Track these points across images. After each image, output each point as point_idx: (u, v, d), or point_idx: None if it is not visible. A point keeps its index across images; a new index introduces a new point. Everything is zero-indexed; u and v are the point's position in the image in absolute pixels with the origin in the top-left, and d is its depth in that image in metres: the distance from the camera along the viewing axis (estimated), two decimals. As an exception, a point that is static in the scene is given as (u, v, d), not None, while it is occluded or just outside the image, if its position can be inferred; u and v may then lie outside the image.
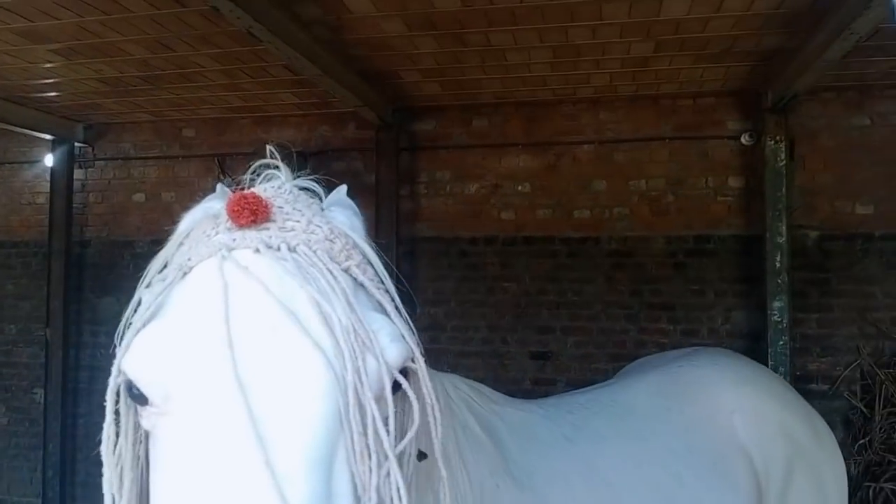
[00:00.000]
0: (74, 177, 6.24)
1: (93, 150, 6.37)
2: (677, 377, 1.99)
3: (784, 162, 4.82)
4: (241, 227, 0.84)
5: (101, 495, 0.73)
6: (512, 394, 5.57)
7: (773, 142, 4.84)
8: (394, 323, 0.83)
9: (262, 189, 0.93)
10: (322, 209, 0.94)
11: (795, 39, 4.02)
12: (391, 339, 0.80)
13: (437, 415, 0.85)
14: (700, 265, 5.23)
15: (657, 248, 5.29)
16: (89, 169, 6.38)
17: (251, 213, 0.83)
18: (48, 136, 6.04)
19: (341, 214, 0.96)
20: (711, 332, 5.20)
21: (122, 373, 0.78)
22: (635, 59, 4.44)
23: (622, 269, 5.36)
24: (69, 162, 6.18)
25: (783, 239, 4.80)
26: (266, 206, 0.85)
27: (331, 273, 0.80)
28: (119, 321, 0.89)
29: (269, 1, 3.43)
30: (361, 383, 0.72)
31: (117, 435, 0.80)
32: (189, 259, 0.83)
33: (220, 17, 3.40)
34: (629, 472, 1.68)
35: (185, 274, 0.83)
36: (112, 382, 0.78)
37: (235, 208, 0.83)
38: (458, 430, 1.45)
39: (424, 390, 0.84)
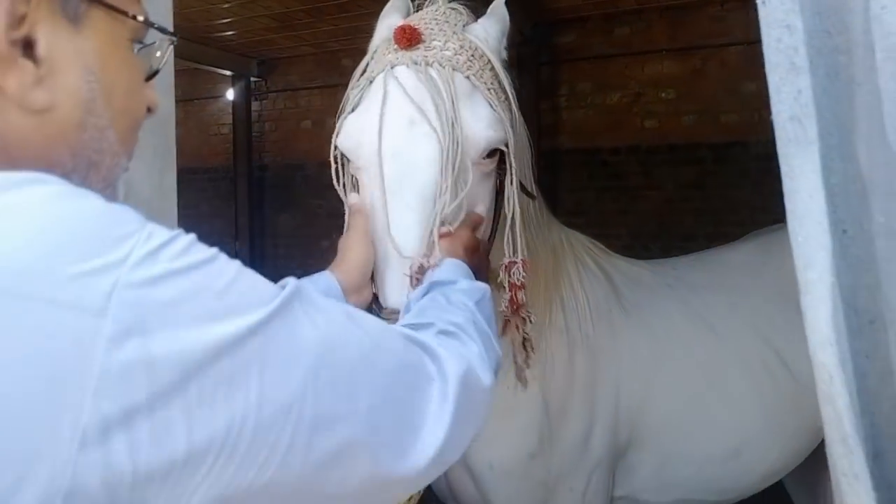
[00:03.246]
0: (252, 108, 7.07)
1: (266, 83, 7.14)
2: (781, 237, 2.14)
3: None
4: (400, 49, 1.22)
5: None
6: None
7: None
8: (495, 113, 1.19)
9: (419, 16, 1.29)
10: (465, 26, 1.29)
11: None
12: (485, 125, 1.17)
13: (514, 178, 1.24)
14: (859, 167, 5.00)
15: (811, 150, 5.11)
16: (264, 101, 7.18)
17: (406, 40, 1.20)
18: (228, 73, 6.85)
19: (481, 28, 1.31)
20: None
21: (336, 145, 1.25)
22: (785, -52, 4.26)
23: (772, 175, 5.23)
24: (247, 95, 7.00)
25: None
26: (417, 34, 1.21)
27: (450, 80, 1.17)
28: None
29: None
30: (455, 149, 1.13)
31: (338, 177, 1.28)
32: (372, 72, 1.24)
33: (369, -56, 3.77)
34: (724, 314, 1.90)
35: (370, 82, 1.24)
36: (332, 150, 1.26)
37: (397, 36, 1.22)
38: (578, 264, 1.78)
39: (509, 163, 1.23)
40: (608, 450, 1.75)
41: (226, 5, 5.32)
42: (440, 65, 1.18)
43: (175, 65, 1.28)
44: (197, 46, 6.27)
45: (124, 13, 0.61)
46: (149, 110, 0.69)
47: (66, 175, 0.55)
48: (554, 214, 1.83)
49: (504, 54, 1.34)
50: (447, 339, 0.76)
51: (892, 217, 0.58)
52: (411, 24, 1.23)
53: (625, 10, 5.50)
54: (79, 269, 0.43)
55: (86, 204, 0.47)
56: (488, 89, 1.21)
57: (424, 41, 1.22)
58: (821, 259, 0.60)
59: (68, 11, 0.56)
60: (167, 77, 1.27)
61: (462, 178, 1.15)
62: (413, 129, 1.14)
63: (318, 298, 0.59)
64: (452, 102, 1.14)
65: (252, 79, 7.06)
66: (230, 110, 7.12)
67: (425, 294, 0.94)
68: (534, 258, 1.62)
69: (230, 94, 7.06)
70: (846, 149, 0.64)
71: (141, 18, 0.63)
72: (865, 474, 0.60)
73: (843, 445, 0.60)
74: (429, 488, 1.95)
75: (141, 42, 0.66)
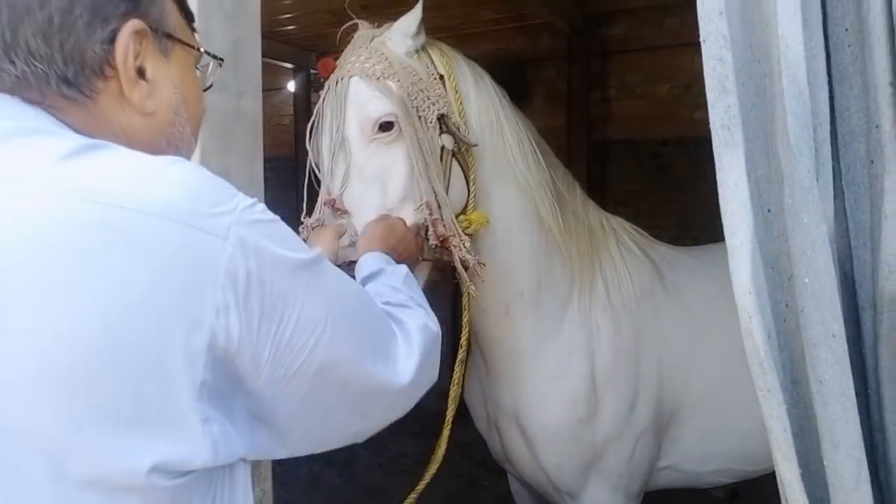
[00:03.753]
0: (312, 100, 7.42)
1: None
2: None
3: None
4: (325, 78, 1.63)
5: None
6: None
7: None
8: (378, 93, 1.56)
9: (348, 46, 1.71)
10: (374, 37, 1.68)
11: None
12: (367, 106, 1.56)
13: (410, 140, 1.57)
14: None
15: (863, 141, 5.13)
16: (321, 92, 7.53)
17: (324, 70, 1.65)
18: (289, 65, 7.22)
19: (391, 30, 1.70)
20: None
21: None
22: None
23: (823, 165, 5.28)
24: (307, 87, 7.36)
25: None
26: (329, 64, 1.66)
27: (346, 86, 1.59)
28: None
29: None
30: (339, 140, 1.56)
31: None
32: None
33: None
34: None
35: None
36: (308, 165, 1.67)
37: (319, 70, 1.66)
38: (621, 247, 1.99)
39: (407, 131, 1.56)
40: (653, 420, 1.93)
41: (287, 1, 5.65)
42: (343, 77, 1.59)
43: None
44: (261, 40, 6.64)
45: (192, 46, 0.90)
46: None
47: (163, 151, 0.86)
48: (603, 205, 2.04)
49: (409, 43, 1.69)
50: (400, 309, 1.08)
51: (795, 200, 0.80)
52: (325, 58, 1.70)
53: (675, 1, 5.60)
54: (211, 211, 0.70)
55: (206, 173, 0.75)
56: (377, 77, 1.56)
57: (339, 64, 1.62)
58: (742, 230, 0.82)
59: (162, 48, 0.83)
60: (255, 83, 1.55)
61: (354, 159, 1.55)
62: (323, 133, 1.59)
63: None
64: (342, 105, 1.54)
65: (312, 71, 7.41)
66: (291, 102, 7.49)
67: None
68: (567, 234, 1.85)
69: (291, 86, 7.44)
70: (770, 148, 0.86)
71: (203, 50, 0.93)
72: (777, 390, 0.83)
73: (760, 368, 0.82)
74: (487, 453, 2.19)
75: (197, 67, 0.96)
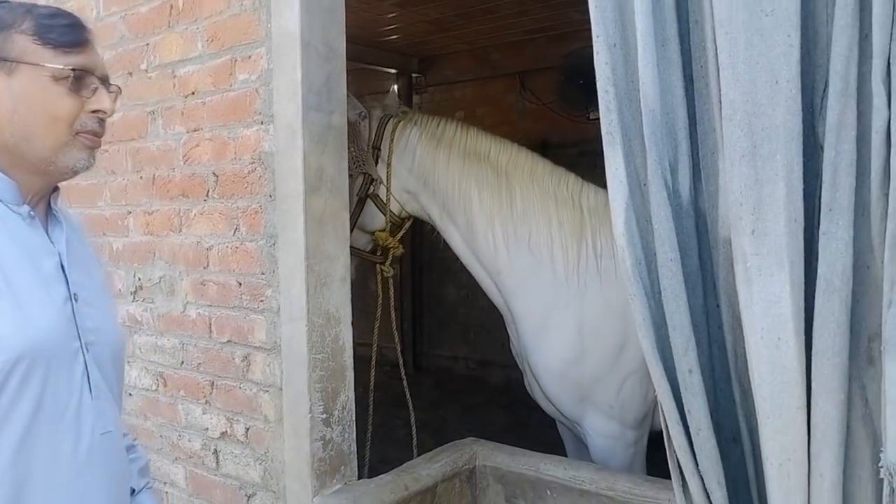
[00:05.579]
0: (413, 101, 8.16)
1: (425, 78, 8.19)
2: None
3: None
4: None
5: None
6: None
7: None
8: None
9: None
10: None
11: None
12: None
13: None
14: None
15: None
16: (423, 94, 8.25)
17: None
18: (392, 70, 7.99)
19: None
20: None
21: None
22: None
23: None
24: (409, 90, 8.11)
25: None
26: None
27: None
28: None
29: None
30: None
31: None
32: None
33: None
34: None
35: None
36: None
37: None
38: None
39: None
40: (642, 364, 2.41)
41: (390, 14, 6.38)
42: None
43: (348, 66, 2.19)
44: (367, 49, 7.45)
45: (40, 65, 1.10)
46: (102, 112, 1.17)
47: (12, 144, 1.11)
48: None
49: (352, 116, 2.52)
50: None
51: (649, 178, 1.33)
52: None
53: None
54: None
55: None
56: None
57: None
58: (619, 198, 1.36)
59: (3, 69, 1.10)
60: (342, 104, 2.18)
61: None
62: None
63: None
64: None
65: (413, 75, 8.15)
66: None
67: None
68: (544, 219, 2.40)
69: (395, 89, 8.21)
70: (643, 145, 1.38)
71: (51, 66, 1.11)
72: (641, 296, 1.35)
73: (628, 281, 1.36)
74: (525, 391, 2.75)
75: (74, 78, 1.12)
